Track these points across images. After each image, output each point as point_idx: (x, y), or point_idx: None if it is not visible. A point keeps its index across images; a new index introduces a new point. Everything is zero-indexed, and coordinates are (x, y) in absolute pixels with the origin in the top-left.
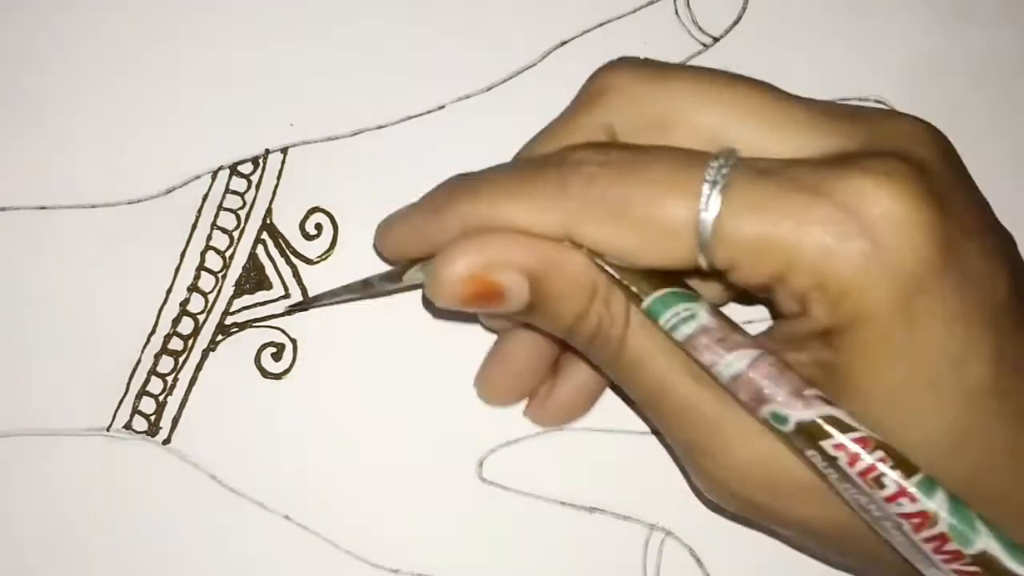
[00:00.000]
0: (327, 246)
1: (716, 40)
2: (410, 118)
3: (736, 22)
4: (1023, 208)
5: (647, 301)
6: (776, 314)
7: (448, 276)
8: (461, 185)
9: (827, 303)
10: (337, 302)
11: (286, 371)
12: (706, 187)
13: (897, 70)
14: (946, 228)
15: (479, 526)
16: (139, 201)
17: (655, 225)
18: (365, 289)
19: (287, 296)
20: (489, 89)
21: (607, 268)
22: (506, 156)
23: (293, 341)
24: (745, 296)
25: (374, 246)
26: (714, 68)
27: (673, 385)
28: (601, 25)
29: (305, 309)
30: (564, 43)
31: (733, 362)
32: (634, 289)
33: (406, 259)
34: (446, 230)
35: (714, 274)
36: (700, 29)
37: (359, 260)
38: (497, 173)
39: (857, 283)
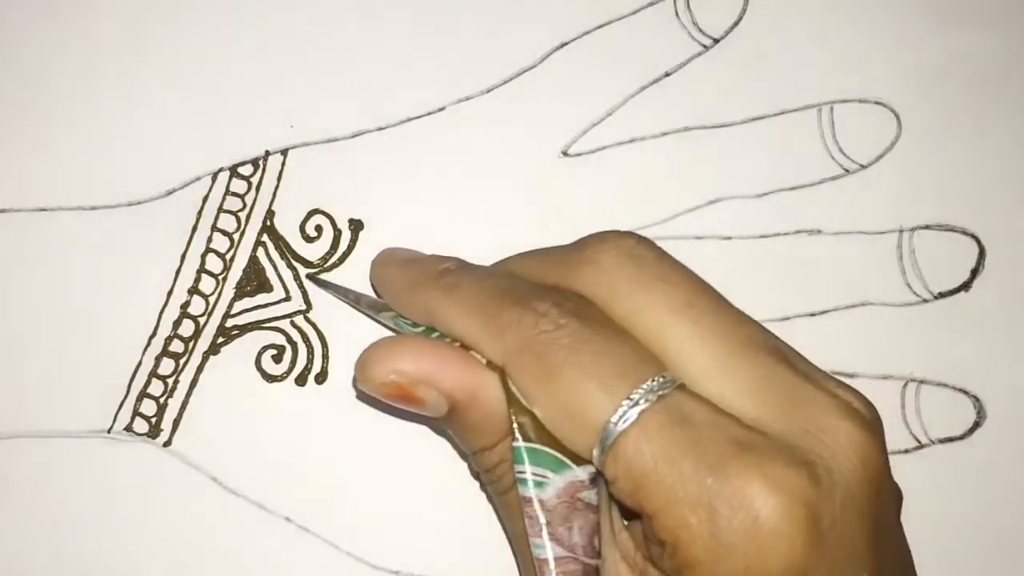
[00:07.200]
0: (327, 248)
1: (716, 41)
2: (410, 120)
3: (736, 23)
4: (1023, 207)
5: (518, 443)
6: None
7: (373, 375)
8: (446, 276)
9: (675, 559)
10: (340, 298)
11: (286, 373)
12: (626, 403)
13: (897, 70)
14: (807, 557)
15: (479, 526)
16: (139, 203)
17: (570, 408)
18: (356, 302)
19: (288, 299)
20: (489, 91)
21: (514, 394)
22: (505, 158)
23: (293, 344)
24: None
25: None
26: (701, 288)
27: None
28: (601, 27)
29: (318, 283)
30: (564, 44)
31: (541, 546)
32: (517, 425)
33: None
34: (413, 309)
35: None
36: (700, 30)
37: (359, 261)
38: (476, 281)
39: (707, 560)
